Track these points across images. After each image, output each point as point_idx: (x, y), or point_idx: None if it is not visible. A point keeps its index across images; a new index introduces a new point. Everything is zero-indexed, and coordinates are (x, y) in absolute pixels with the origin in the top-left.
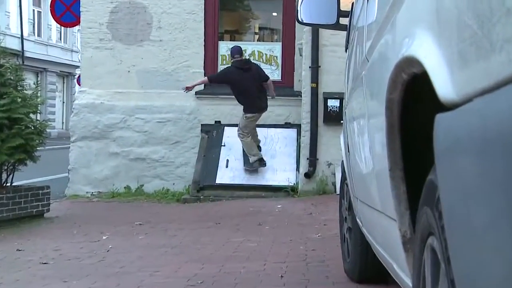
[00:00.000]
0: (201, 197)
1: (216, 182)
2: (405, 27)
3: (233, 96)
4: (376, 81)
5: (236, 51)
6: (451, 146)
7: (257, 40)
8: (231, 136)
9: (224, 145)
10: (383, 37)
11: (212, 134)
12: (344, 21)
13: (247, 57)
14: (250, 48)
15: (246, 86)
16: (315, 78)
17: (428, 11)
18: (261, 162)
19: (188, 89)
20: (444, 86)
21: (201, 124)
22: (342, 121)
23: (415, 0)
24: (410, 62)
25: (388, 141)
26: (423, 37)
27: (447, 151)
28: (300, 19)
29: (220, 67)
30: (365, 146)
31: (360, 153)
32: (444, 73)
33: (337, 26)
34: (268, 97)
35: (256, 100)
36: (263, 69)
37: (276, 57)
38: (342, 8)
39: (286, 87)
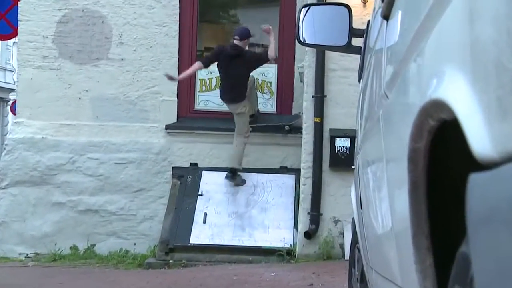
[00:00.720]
0: (171, 261)
1: (191, 242)
2: (433, 62)
3: (212, 132)
4: (397, 124)
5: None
6: (488, 214)
7: None
8: (210, 183)
9: (201, 195)
10: (406, 71)
11: (186, 180)
12: (357, 42)
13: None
14: None
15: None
16: (319, 110)
17: (460, 45)
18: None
19: (171, 79)
20: (480, 140)
21: (173, 167)
22: (353, 166)
23: (444, 30)
24: (439, 107)
25: (411, 201)
26: (454, 76)
27: (483, 220)
28: (301, 39)
29: (199, 95)
30: (382, 202)
31: (376, 211)
32: (480, 123)
33: (348, 49)
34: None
35: None
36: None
37: (270, 83)
38: (355, 26)
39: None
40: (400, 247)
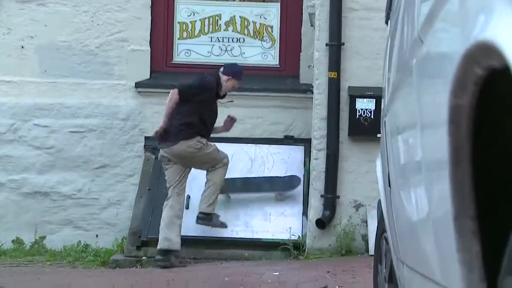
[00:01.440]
0: (144, 258)
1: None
2: None
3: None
4: (435, 76)
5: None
6: None
7: None
8: None
9: None
10: (445, 7)
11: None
12: None
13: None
14: (228, 12)
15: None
16: (335, 63)
17: None
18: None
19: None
20: None
21: (145, 137)
22: (379, 135)
23: None
24: (487, 51)
25: (452, 174)
26: (506, 12)
27: None
28: None
29: (178, 43)
30: (416, 178)
31: (409, 190)
32: None
33: None
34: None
35: None
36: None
37: (271, 27)
38: None
39: (286, 77)
40: (439, 234)
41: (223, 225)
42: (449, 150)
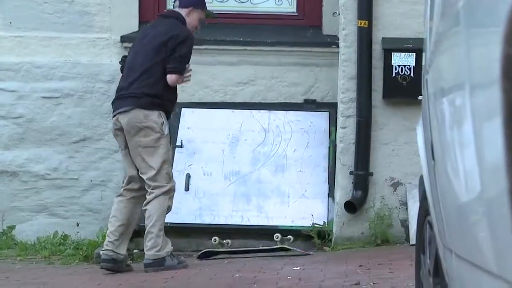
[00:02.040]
0: (135, 251)
1: (166, 220)
2: None
3: (199, 47)
4: (486, 20)
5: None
6: None
7: None
8: (195, 126)
9: (181, 146)
10: None
11: None
12: None
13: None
14: None
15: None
16: (365, 9)
17: None
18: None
19: None
20: None
21: None
22: (420, 97)
23: None
24: None
25: (508, 140)
26: None
27: None
28: None
29: None
30: (466, 147)
31: (457, 162)
32: None
33: None
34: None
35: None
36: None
37: None
38: None
39: (306, 28)
40: (493, 214)
41: (183, 265)
42: (503, 110)
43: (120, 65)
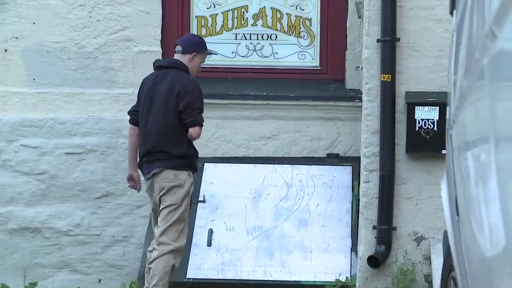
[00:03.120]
0: None
1: (188, 276)
2: None
3: (218, 101)
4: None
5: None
6: None
7: None
8: (217, 182)
9: (203, 201)
10: None
11: None
12: None
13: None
14: (256, 2)
15: (144, 118)
16: (389, 63)
17: None
18: None
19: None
20: None
21: None
22: (444, 151)
23: None
24: None
25: None
26: None
27: None
28: None
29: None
30: (490, 203)
31: (482, 218)
32: None
33: None
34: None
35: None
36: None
37: (310, 20)
38: None
39: (329, 82)
40: None
41: None
42: None
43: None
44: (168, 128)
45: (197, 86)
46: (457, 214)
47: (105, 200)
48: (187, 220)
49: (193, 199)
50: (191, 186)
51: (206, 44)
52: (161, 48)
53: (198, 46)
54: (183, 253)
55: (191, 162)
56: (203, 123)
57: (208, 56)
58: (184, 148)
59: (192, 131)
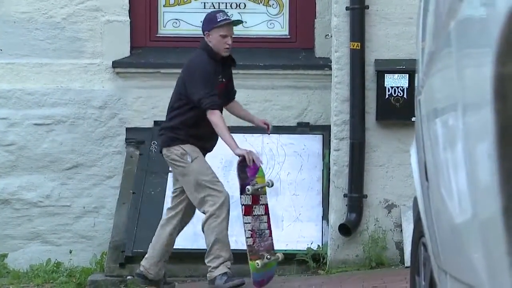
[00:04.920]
0: (129, 277)
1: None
2: None
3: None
4: (477, 40)
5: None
6: None
7: None
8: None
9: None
10: None
11: (149, 148)
12: None
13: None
14: None
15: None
16: (358, 30)
17: None
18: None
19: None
20: None
21: (126, 129)
22: (414, 119)
23: None
24: None
25: (500, 159)
26: None
27: None
28: None
29: (164, 12)
30: (458, 168)
31: (450, 183)
32: None
33: None
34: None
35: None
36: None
37: None
38: None
39: (298, 51)
40: (486, 234)
41: (240, 283)
42: (495, 131)
43: None
44: (171, 105)
45: (192, 65)
46: (427, 180)
47: (75, 171)
48: (201, 182)
49: (163, 169)
50: (184, 156)
51: (218, 15)
52: (129, 18)
53: (206, 24)
54: (219, 215)
55: (183, 138)
56: (209, 101)
57: (233, 26)
58: (176, 123)
59: (208, 115)
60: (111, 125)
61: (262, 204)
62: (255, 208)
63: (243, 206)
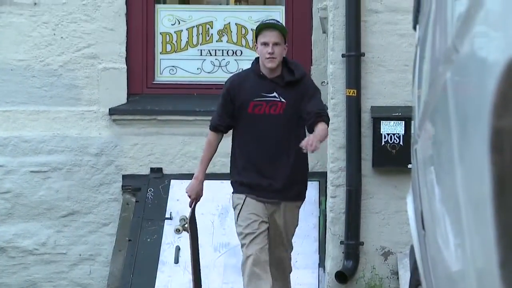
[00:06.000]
0: None
1: None
2: None
3: (184, 118)
4: (473, 92)
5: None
6: None
7: (235, 2)
8: (184, 199)
9: (170, 218)
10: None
11: (145, 195)
12: None
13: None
14: (221, 18)
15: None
16: (354, 78)
17: None
18: None
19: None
20: None
21: (123, 176)
22: (410, 166)
23: None
24: None
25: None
26: None
27: None
28: None
29: (161, 59)
30: (455, 217)
31: (447, 232)
32: None
33: None
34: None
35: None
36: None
37: None
38: None
39: None
40: (483, 285)
41: None
42: (491, 182)
43: None
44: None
45: (225, 84)
46: (423, 228)
47: (71, 218)
48: (242, 232)
49: (160, 216)
50: (234, 205)
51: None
52: (126, 65)
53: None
54: (248, 262)
55: (231, 178)
56: (211, 129)
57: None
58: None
59: None
60: (108, 172)
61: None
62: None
63: None
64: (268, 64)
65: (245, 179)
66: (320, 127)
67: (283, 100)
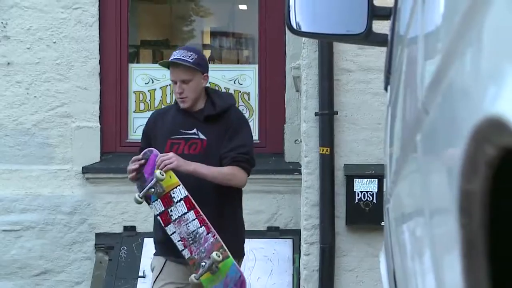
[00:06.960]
0: None
1: None
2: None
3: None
4: (442, 154)
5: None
6: None
7: (209, 60)
8: None
9: (143, 276)
10: (451, 72)
11: (118, 254)
12: (381, 27)
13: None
14: None
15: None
16: (328, 136)
17: None
18: None
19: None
20: None
21: (96, 234)
22: (383, 223)
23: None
24: (498, 127)
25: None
26: None
27: None
28: (294, 26)
29: (134, 117)
30: (426, 276)
31: None
32: None
33: (368, 38)
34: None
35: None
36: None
37: (248, 94)
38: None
39: (268, 155)
40: None
41: None
42: (460, 244)
43: None
44: None
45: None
46: (395, 287)
47: (44, 277)
48: None
49: (133, 274)
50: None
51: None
52: (99, 124)
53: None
54: None
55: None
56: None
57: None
58: None
59: None
60: (81, 230)
61: (180, 200)
62: (171, 211)
63: (159, 217)
64: (181, 105)
65: (157, 236)
66: (226, 170)
67: (203, 137)
